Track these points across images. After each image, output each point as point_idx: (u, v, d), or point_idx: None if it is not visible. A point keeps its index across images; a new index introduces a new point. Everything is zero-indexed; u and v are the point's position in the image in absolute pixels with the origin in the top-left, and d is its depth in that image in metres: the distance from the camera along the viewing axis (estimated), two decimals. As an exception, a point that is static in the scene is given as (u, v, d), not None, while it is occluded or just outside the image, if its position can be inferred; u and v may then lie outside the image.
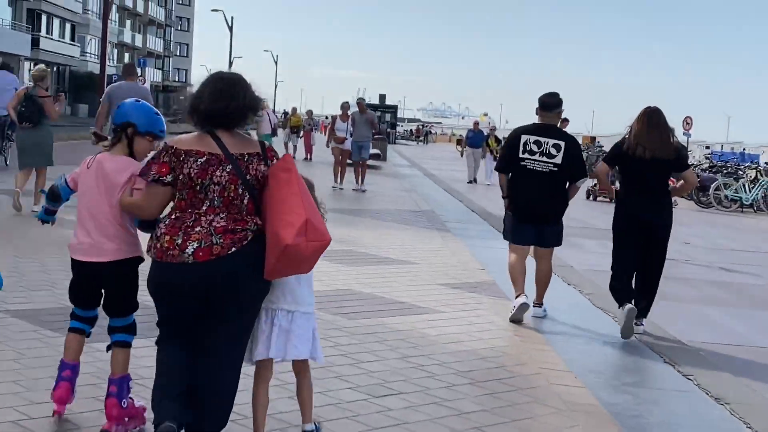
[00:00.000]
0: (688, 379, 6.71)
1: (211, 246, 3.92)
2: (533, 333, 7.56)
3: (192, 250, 3.92)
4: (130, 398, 4.58)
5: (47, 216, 4.87)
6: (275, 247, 3.90)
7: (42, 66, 13.30)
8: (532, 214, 8.18)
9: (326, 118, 25.10)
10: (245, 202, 4.02)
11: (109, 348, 4.66)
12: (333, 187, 19.42)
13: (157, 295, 4.11)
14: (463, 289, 9.14)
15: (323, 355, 4.56)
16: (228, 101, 4.07)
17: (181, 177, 4.00)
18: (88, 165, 4.59)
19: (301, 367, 4.49)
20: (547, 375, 6.26)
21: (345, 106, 21.28)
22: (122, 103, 4.77)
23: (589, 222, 17.23)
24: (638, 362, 7.20)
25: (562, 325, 8.08)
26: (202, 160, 3.99)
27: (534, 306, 8.17)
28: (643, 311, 8.09)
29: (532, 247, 8.45)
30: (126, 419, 4.51)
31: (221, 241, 3.93)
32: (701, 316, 9.62)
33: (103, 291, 4.62)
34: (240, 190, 4.01)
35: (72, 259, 4.60)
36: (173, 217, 4.04)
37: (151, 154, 4.41)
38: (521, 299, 7.87)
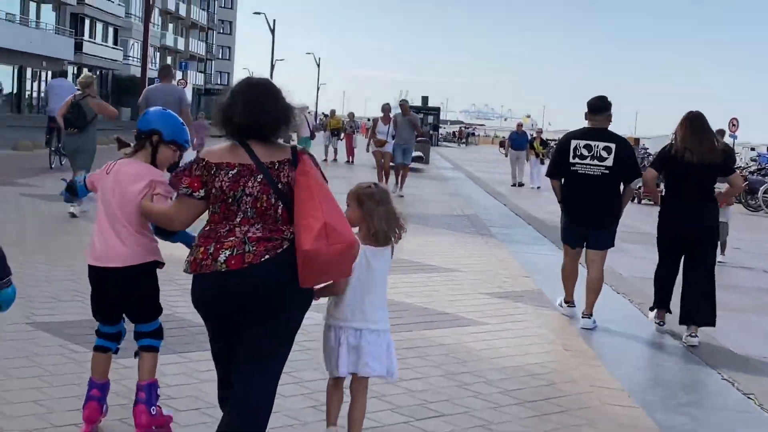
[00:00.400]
0: (749, 398, 6.30)
1: (243, 254, 3.75)
2: (583, 347, 7.19)
3: (224, 258, 3.75)
4: (158, 406, 4.46)
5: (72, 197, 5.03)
6: (299, 254, 3.75)
7: (89, 73, 13.70)
8: (585, 218, 8.13)
9: (368, 120, 24.78)
10: (279, 211, 3.84)
11: (136, 354, 4.56)
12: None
13: (199, 308, 3.94)
14: (508, 298, 8.79)
15: (397, 372, 4.55)
16: (259, 114, 3.89)
17: (213, 191, 3.84)
18: (107, 170, 4.52)
19: (359, 387, 4.41)
20: (599, 394, 5.89)
21: (386, 108, 20.49)
22: (147, 111, 4.72)
23: (635, 226, 16.75)
24: (695, 379, 6.81)
25: (612, 338, 7.71)
26: (233, 172, 3.83)
27: (583, 317, 7.90)
28: (705, 319, 7.84)
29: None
30: (153, 428, 4.39)
31: (254, 249, 3.76)
32: (756, 327, 9.20)
33: (121, 299, 4.49)
34: (272, 200, 3.83)
35: (89, 267, 4.48)
36: (207, 229, 3.89)
37: (184, 160, 4.26)
38: (568, 310, 8.30)
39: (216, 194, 3.83)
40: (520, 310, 8.29)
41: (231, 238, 3.79)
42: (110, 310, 4.54)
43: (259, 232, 3.80)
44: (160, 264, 4.49)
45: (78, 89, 12.83)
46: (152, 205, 4.29)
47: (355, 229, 4.20)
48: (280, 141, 4.02)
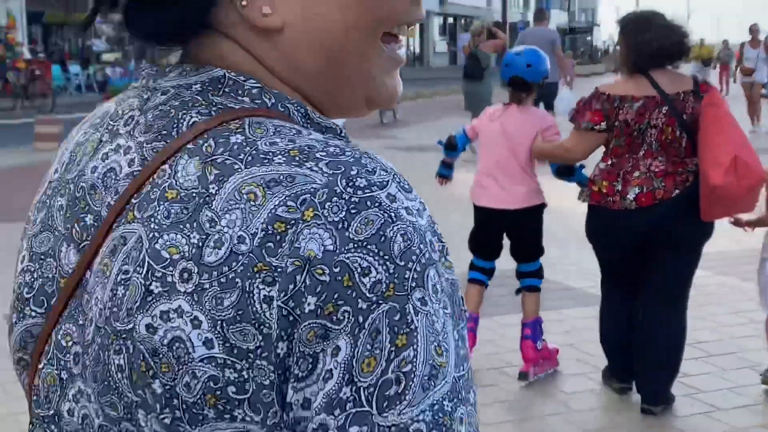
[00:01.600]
0: None
1: (653, 190, 3.87)
2: None
3: (634, 195, 3.88)
4: (544, 340, 4.64)
5: (446, 170, 5.06)
6: (705, 188, 3.79)
7: (478, 21, 14.62)
8: None
9: (741, 46, 22.81)
10: (683, 144, 3.89)
11: (518, 292, 4.75)
12: (751, 131, 15.86)
13: (596, 240, 4.15)
14: None
15: None
16: (668, 38, 3.97)
17: (616, 124, 3.92)
18: (491, 118, 4.67)
19: None
20: None
21: (754, 29, 18.76)
22: (533, 64, 4.66)
23: None
24: None
25: None
26: (638, 105, 3.89)
27: None
28: None
29: None
30: (541, 361, 4.59)
31: (663, 184, 3.87)
32: None
33: (507, 238, 4.71)
34: (677, 132, 3.88)
35: (475, 207, 4.70)
36: (609, 162, 3.99)
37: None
38: None
39: (620, 127, 3.90)
40: None
41: (636, 174, 3.89)
42: (491, 248, 4.73)
43: (662, 164, 3.88)
44: (545, 205, 4.66)
45: (470, 39, 13.54)
46: (545, 144, 4.43)
47: None
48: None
